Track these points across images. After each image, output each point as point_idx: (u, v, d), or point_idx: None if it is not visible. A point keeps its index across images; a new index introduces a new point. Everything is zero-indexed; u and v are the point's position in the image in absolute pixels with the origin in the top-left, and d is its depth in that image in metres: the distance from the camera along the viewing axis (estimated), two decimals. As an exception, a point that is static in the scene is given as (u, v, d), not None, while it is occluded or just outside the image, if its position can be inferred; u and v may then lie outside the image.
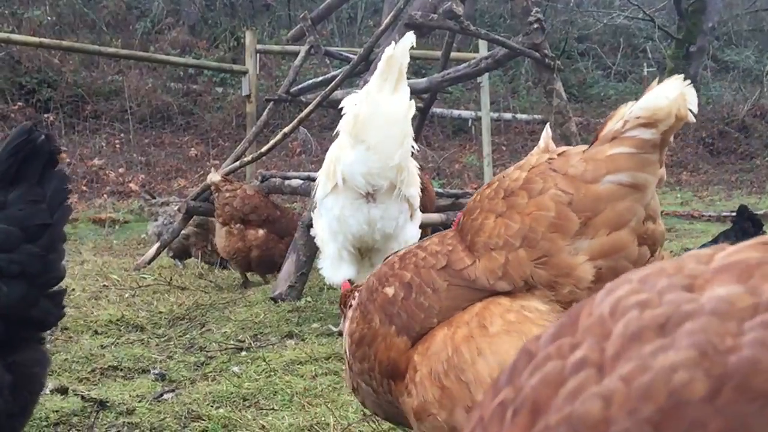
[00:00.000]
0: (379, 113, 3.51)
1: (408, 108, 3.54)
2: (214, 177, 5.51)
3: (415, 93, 6.88)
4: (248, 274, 5.66)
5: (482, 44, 9.93)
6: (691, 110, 1.44)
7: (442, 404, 1.59)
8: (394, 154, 3.55)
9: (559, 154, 1.55)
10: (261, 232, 5.37)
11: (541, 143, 1.69)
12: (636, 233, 1.49)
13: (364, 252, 3.91)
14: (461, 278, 1.64)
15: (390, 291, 1.78)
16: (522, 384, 0.59)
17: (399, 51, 3.45)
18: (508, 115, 16.32)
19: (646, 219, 1.50)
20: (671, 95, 1.42)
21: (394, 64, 3.46)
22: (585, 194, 1.48)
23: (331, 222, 3.74)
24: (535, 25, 5.39)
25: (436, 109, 14.00)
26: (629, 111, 1.46)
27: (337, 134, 3.79)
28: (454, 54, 8.14)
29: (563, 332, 0.61)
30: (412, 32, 3.65)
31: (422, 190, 4.49)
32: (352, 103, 3.61)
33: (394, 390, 1.76)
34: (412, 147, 3.79)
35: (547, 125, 1.93)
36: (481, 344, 1.55)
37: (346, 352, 1.95)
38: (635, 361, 0.53)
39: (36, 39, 9.54)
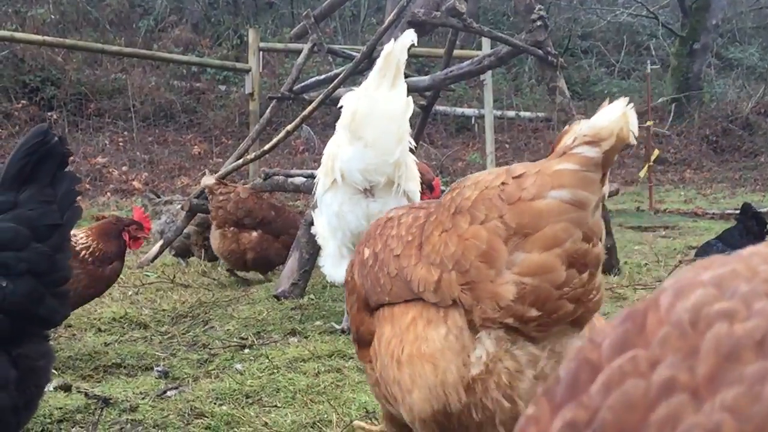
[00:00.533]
0: (376, 110, 3.52)
1: (406, 104, 3.54)
2: (207, 180, 5.50)
3: (417, 91, 6.88)
4: (247, 273, 5.66)
5: (485, 42, 9.92)
6: (633, 132, 1.46)
7: (379, 392, 1.78)
8: (392, 150, 3.56)
9: (515, 177, 1.51)
10: (255, 234, 5.35)
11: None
12: (568, 254, 1.47)
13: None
14: (404, 274, 1.70)
15: (366, 252, 1.87)
16: (594, 403, 0.52)
17: (398, 48, 3.45)
18: (511, 113, 16.31)
19: (583, 239, 1.48)
20: (614, 117, 1.45)
21: (392, 60, 3.46)
22: (528, 213, 1.47)
23: (331, 218, 3.75)
24: (538, 23, 5.38)
25: (439, 107, 14.00)
26: (580, 128, 1.47)
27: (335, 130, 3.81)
28: (457, 52, 8.13)
29: (630, 341, 0.54)
30: (412, 30, 3.65)
31: (429, 189, 4.49)
32: (350, 99, 3.61)
33: (358, 352, 1.96)
34: (410, 143, 3.80)
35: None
36: (395, 370, 1.67)
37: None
38: (739, 388, 0.47)
39: (39, 37, 9.56)
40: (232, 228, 5.33)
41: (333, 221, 3.75)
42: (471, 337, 1.57)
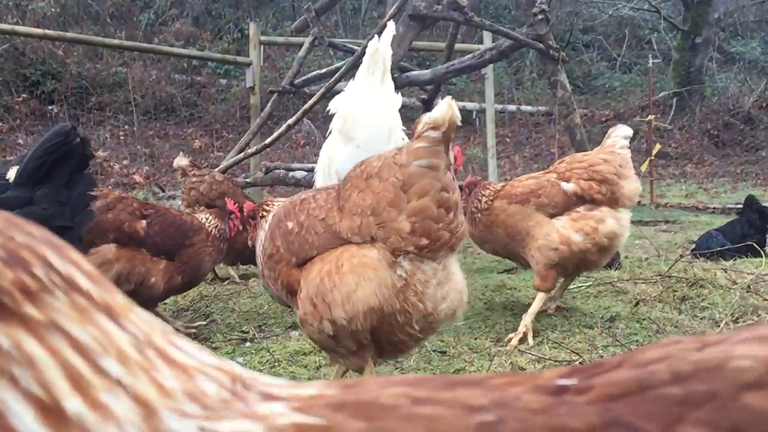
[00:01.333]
0: (366, 110, 3.56)
1: (395, 101, 3.57)
2: (181, 161, 5.38)
3: (418, 85, 6.89)
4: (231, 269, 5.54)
5: (486, 35, 9.90)
6: (457, 117, 2.16)
7: (314, 316, 2.33)
8: (384, 150, 3.56)
9: (398, 152, 2.24)
10: None
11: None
12: (435, 200, 2.19)
13: None
14: (331, 230, 2.35)
15: (290, 225, 2.50)
16: None
17: (383, 44, 3.48)
18: (512, 107, 16.29)
19: (442, 190, 2.20)
20: (444, 110, 2.14)
21: (378, 58, 3.50)
22: (407, 173, 2.19)
23: None
24: (540, 17, 5.36)
25: (440, 101, 13.98)
26: (426, 119, 2.17)
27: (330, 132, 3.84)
28: (458, 45, 8.11)
29: None
30: (392, 23, 3.68)
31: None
32: (340, 101, 3.65)
33: (290, 301, 2.53)
34: (404, 140, 3.80)
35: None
36: (336, 278, 2.27)
37: (259, 257, 2.73)
38: None
39: (40, 31, 9.54)
40: (202, 208, 5.20)
41: None
42: (394, 261, 2.24)
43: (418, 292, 2.25)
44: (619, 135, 4.07)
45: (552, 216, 3.93)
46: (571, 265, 3.88)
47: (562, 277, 4.05)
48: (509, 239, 4.06)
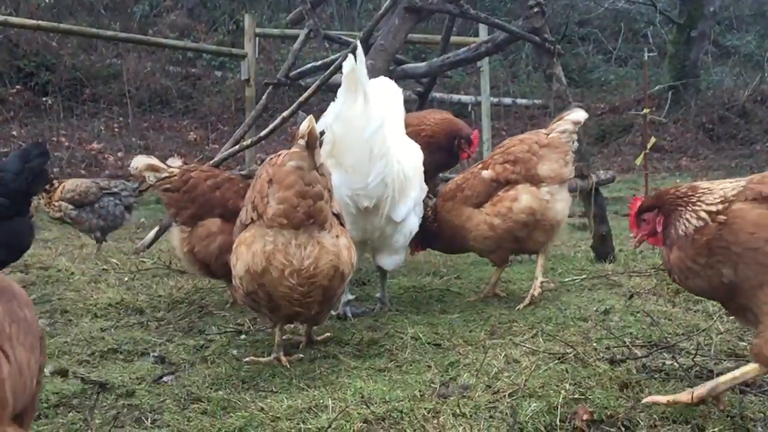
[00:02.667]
0: (350, 133, 3.57)
1: (379, 122, 3.54)
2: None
3: (414, 77, 6.87)
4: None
5: (482, 28, 9.88)
6: (316, 132, 2.85)
7: (236, 288, 3.16)
8: (369, 173, 3.57)
9: (281, 155, 2.98)
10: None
11: None
12: (298, 192, 2.89)
13: (368, 242, 3.98)
14: (241, 219, 3.18)
15: (242, 213, 3.24)
16: None
17: (359, 63, 3.49)
18: (507, 100, 16.28)
19: (305, 184, 2.88)
20: (306, 125, 2.82)
21: (355, 77, 3.49)
22: (279, 171, 2.92)
23: None
24: (536, 9, 5.35)
25: (436, 94, 13.94)
26: (299, 130, 2.86)
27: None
28: (453, 38, 8.10)
29: None
30: (359, 43, 3.72)
31: (468, 143, 5.13)
32: (326, 124, 3.67)
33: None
34: (398, 162, 3.78)
35: None
36: (234, 254, 3.10)
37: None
38: None
39: (34, 22, 9.49)
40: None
41: None
42: (265, 233, 2.97)
43: (283, 252, 2.93)
44: (569, 119, 4.14)
45: (478, 206, 4.15)
46: (510, 245, 4.14)
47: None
48: (455, 236, 4.28)
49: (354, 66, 3.49)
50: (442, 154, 5.10)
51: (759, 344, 2.26)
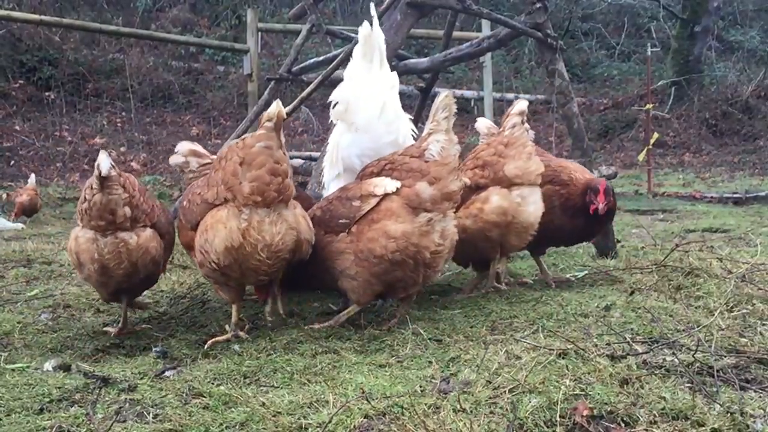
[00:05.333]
0: (363, 94, 3.67)
1: (392, 84, 3.69)
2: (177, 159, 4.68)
3: (416, 73, 6.87)
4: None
5: (485, 24, 9.88)
6: (284, 113, 3.14)
7: (204, 260, 3.31)
8: (383, 131, 3.66)
9: (245, 138, 3.17)
10: None
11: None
12: (269, 170, 3.12)
13: None
14: (204, 199, 3.32)
15: (185, 203, 3.54)
16: None
17: (376, 29, 3.64)
18: (510, 95, 16.25)
19: (275, 162, 3.13)
20: (275, 108, 3.09)
21: (373, 42, 3.64)
22: (250, 152, 3.13)
23: None
24: (538, 5, 5.35)
25: (438, 89, 13.95)
26: (266, 113, 3.10)
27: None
28: (456, 33, 8.09)
29: None
30: (375, 15, 3.83)
31: (594, 194, 4.30)
32: (340, 90, 3.76)
33: (191, 254, 3.62)
34: (412, 130, 3.85)
35: None
36: (210, 232, 3.24)
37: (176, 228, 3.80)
38: None
39: (37, 16, 9.50)
40: None
41: None
42: (239, 212, 3.17)
43: (257, 229, 3.16)
44: (514, 112, 4.17)
45: (457, 210, 4.09)
46: (493, 245, 4.12)
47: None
48: None
49: (370, 32, 3.64)
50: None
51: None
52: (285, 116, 3.11)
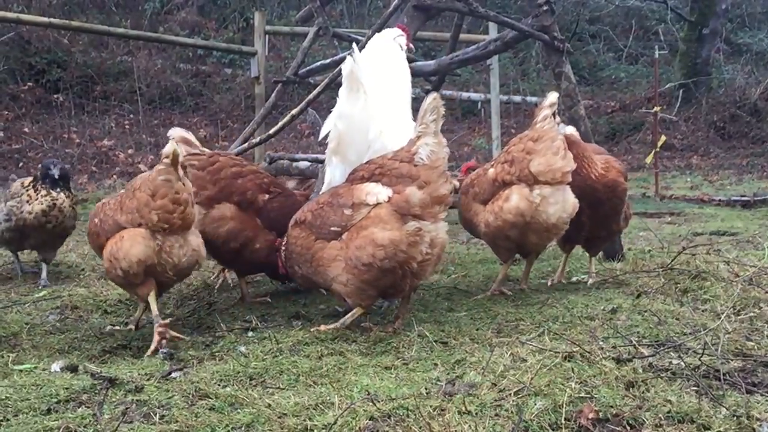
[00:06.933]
0: (352, 130, 3.72)
1: (376, 116, 3.73)
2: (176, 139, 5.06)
3: (423, 75, 6.86)
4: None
5: (492, 26, 9.87)
6: (180, 152, 3.44)
7: (112, 267, 3.49)
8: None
9: (149, 173, 3.50)
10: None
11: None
12: (171, 199, 3.41)
13: None
14: (116, 221, 3.53)
15: (96, 221, 3.68)
16: None
17: (358, 62, 3.66)
18: (517, 98, 16.24)
19: (175, 193, 3.42)
20: (170, 147, 3.37)
21: (355, 77, 3.66)
22: (153, 184, 3.42)
23: None
24: (545, 7, 5.34)
25: (445, 92, 13.92)
26: (164, 150, 3.40)
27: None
28: (463, 36, 8.10)
29: None
30: (354, 44, 3.92)
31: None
32: (330, 126, 3.81)
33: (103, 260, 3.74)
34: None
35: None
36: (126, 242, 3.44)
37: None
38: None
39: (45, 19, 9.55)
40: None
41: None
42: (152, 236, 3.43)
43: (167, 252, 3.46)
44: (545, 104, 4.12)
45: (484, 202, 4.21)
46: (509, 244, 4.19)
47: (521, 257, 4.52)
48: (469, 227, 4.45)
49: (353, 66, 3.64)
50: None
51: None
52: (179, 154, 3.40)
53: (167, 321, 3.51)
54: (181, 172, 3.45)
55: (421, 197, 3.35)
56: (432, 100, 3.38)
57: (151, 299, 3.51)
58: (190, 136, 4.25)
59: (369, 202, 3.39)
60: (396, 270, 3.38)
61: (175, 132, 4.17)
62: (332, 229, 3.47)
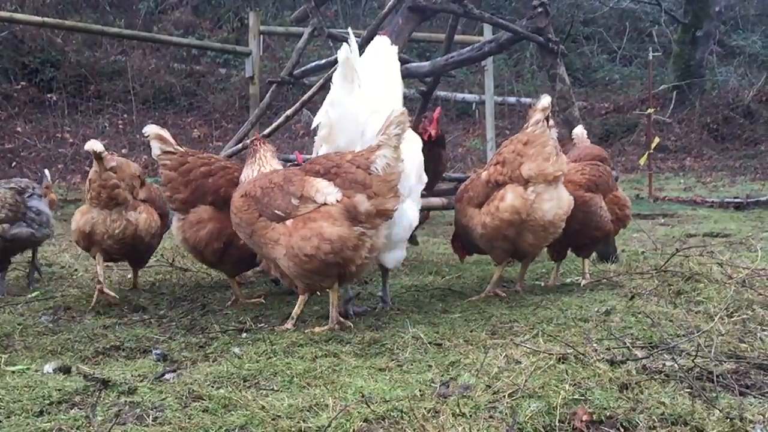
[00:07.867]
0: (344, 117, 3.74)
1: (373, 109, 3.73)
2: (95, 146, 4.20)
3: (418, 77, 6.87)
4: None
5: (487, 27, 9.88)
6: (105, 154, 4.12)
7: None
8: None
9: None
10: None
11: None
12: (99, 185, 4.13)
13: None
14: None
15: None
16: None
17: (353, 51, 3.72)
18: (512, 99, 16.27)
19: (103, 180, 4.16)
20: (93, 144, 4.02)
21: (350, 65, 3.70)
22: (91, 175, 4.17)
23: None
24: (540, 9, 5.35)
25: (440, 93, 13.96)
26: (89, 147, 3.99)
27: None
28: (458, 37, 8.10)
29: None
30: (353, 35, 3.87)
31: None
32: (323, 114, 3.81)
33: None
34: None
35: None
36: (76, 216, 4.15)
37: None
38: None
39: (39, 18, 9.51)
40: None
41: None
42: (91, 209, 4.24)
43: (102, 224, 4.24)
44: (538, 108, 4.11)
45: (479, 206, 4.21)
46: (506, 245, 4.18)
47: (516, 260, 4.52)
48: (465, 233, 4.43)
49: (349, 54, 3.69)
50: None
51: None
52: (101, 151, 4.03)
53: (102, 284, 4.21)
54: (111, 163, 4.19)
55: (367, 208, 3.44)
56: (399, 114, 3.44)
57: (98, 261, 4.34)
58: (165, 134, 4.17)
59: (317, 200, 3.46)
60: (338, 266, 3.49)
61: (150, 129, 4.12)
62: (276, 212, 3.53)
